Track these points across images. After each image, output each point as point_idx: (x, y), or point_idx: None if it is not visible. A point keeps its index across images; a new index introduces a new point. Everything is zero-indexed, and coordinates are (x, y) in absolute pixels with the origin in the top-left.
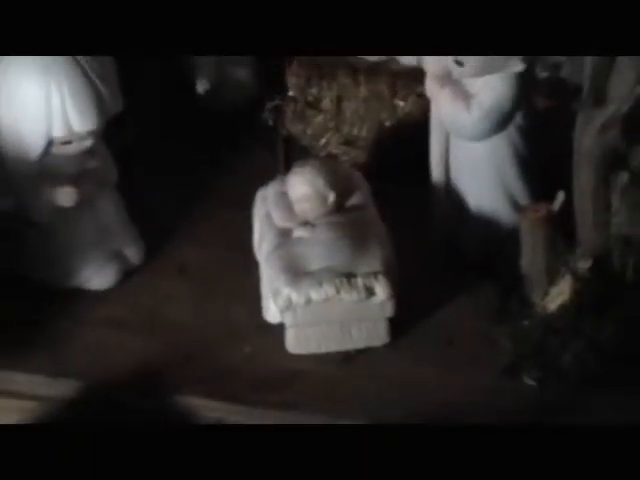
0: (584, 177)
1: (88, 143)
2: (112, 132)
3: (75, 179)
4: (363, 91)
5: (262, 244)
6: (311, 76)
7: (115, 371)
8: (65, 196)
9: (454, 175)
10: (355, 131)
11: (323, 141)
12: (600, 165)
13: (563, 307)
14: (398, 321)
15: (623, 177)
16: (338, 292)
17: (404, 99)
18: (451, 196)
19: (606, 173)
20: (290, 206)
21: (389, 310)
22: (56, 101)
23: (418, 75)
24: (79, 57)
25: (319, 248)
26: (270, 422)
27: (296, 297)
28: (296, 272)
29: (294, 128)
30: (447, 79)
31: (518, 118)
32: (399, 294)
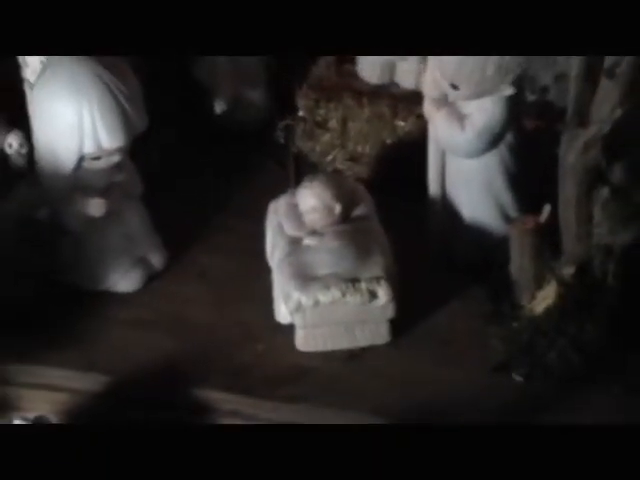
0: (568, 191)
1: (116, 159)
2: (138, 149)
3: (104, 191)
4: (366, 112)
5: (274, 251)
6: (319, 98)
7: (139, 367)
8: (95, 207)
9: (449, 189)
10: (359, 149)
11: (330, 158)
12: (583, 181)
13: (548, 310)
14: (398, 322)
15: (604, 192)
16: (344, 295)
17: (404, 120)
18: (446, 208)
19: (588, 188)
20: (300, 217)
21: (390, 312)
22: (87, 121)
23: (417, 98)
24: (108, 81)
25: (326, 255)
26: (281, 414)
27: (305, 300)
28: (305, 277)
29: (304, 146)
30: (443, 102)
31: (508, 137)
32: (399, 297)
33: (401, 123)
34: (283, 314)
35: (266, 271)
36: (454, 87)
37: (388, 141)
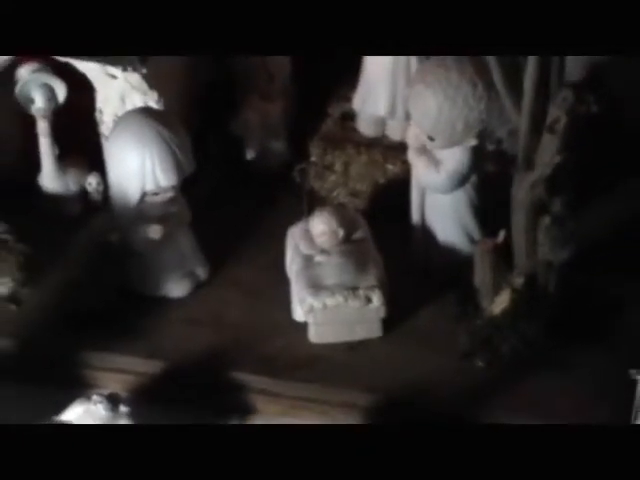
0: (519, 220)
1: (170, 194)
2: (188, 186)
3: (161, 219)
4: (364, 158)
5: (292, 266)
6: (327, 147)
7: (189, 355)
8: (154, 232)
9: (428, 217)
10: (358, 186)
11: (335, 193)
12: (530, 211)
13: (504, 312)
14: (388, 321)
15: (546, 220)
16: (346, 300)
17: (393, 164)
18: (425, 232)
19: (534, 217)
20: (312, 239)
21: (382, 313)
22: (148, 165)
23: (403, 147)
24: (164, 134)
25: (332, 269)
26: (297, 392)
27: (316, 304)
28: (316, 286)
29: (315, 184)
30: (423, 150)
31: (473, 178)
32: (389, 301)
33: (390, 167)
34: (299, 314)
35: (286, 281)
36: (431, 139)
37: (380, 181)
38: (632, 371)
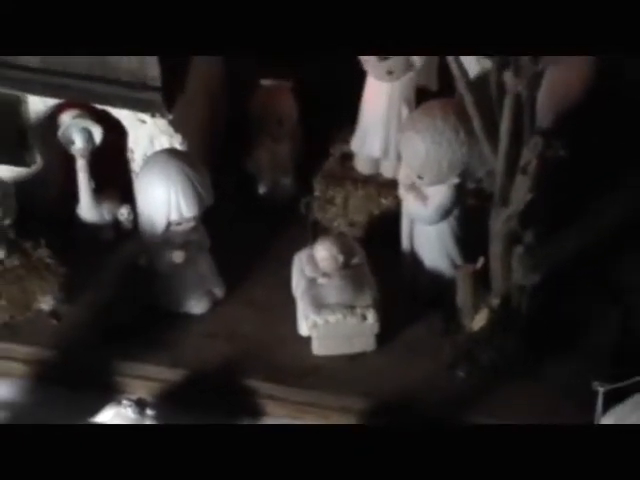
0: (495, 248)
1: (192, 223)
2: (208, 216)
3: (184, 245)
4: (361, 193)
5: (298, 287)
6: (329, 183)
7: (207, 364)
8: (177, 256)
9: (416, 245)
10: (356, 217)
11: (336, 224)
12: (505, 241)
13: (482, 328)
14: (382, 336)
15: (519, 249)
16: (345, 317)
17: (386, 198)
18: (414, 258)
19: (509, 246)
20: (316, 263)
21: (376, 329)
22: (173, 198)
23: (395, 184)
24: (187, 171)
25: (333, 290)
26: (302, 397)
27: (319, 320)
28: (319, 305)
29: (318, 215)
30: (412, 186)
31: (456, 212)
32: (382, 319)
33: (384, 201)
34: (304, 329)
35: (292, 300)
36: (420, 177)
37: (375, 213)
38: (595, 383)
